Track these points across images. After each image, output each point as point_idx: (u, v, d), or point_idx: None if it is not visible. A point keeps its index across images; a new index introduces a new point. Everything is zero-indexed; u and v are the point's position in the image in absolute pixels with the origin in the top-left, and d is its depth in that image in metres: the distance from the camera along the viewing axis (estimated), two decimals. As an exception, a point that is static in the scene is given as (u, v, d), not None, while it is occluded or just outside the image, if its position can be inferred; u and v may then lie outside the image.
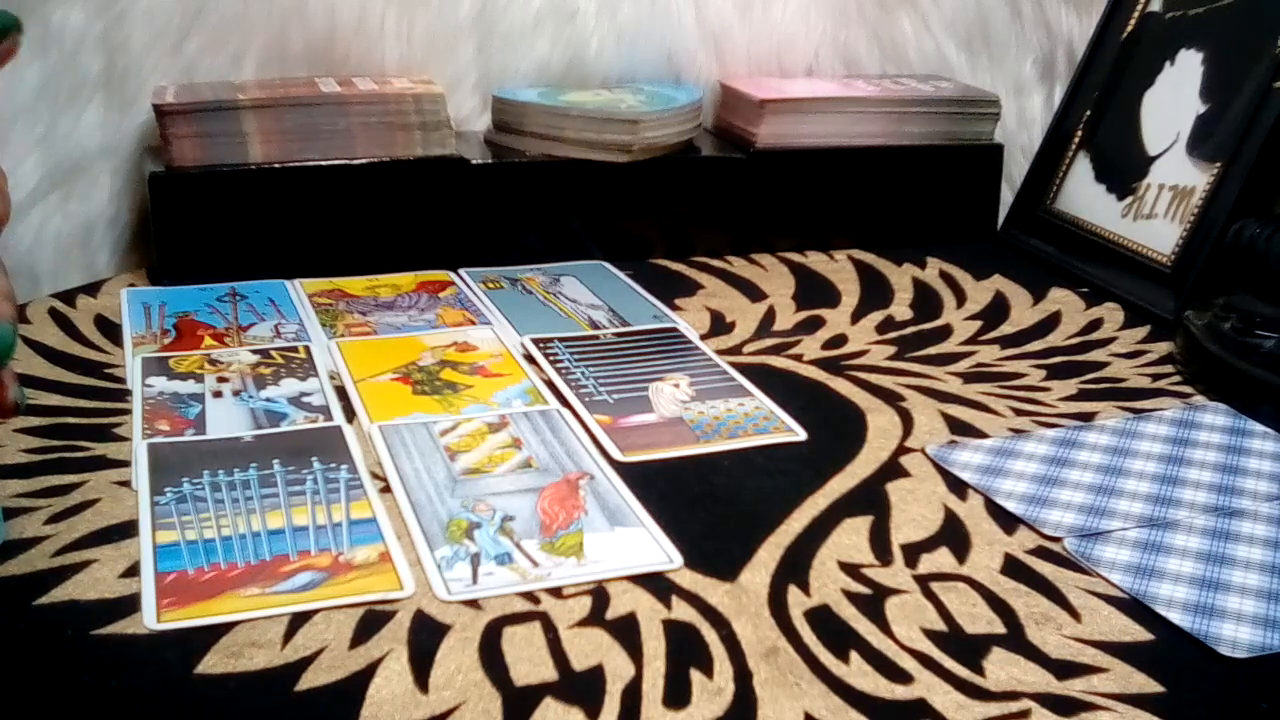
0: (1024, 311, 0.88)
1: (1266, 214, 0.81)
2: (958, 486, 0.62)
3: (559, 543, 0.56)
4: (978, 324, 0.85)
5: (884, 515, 0.59)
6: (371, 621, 0.50)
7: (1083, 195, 0.97)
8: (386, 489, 0.60)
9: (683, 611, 0.51)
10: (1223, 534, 0.57)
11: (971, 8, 1.08)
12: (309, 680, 0.46)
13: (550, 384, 0.73)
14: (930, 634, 0.50)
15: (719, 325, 0.84)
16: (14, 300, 0.53)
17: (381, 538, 0.56)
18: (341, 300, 0.85)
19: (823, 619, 0.51)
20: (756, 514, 0.59)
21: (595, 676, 0.47)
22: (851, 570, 0.54)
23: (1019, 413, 0.71)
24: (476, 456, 0.63)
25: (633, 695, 0.46)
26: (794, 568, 0.54)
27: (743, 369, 0.76)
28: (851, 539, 0.57)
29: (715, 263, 0.97)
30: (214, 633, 0.49)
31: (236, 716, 0.45)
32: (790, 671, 0.47)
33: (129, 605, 0.50)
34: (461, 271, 0.91)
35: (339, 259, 0.89)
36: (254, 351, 0.75)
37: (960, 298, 0.90)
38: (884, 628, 0.50)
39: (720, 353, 0.78)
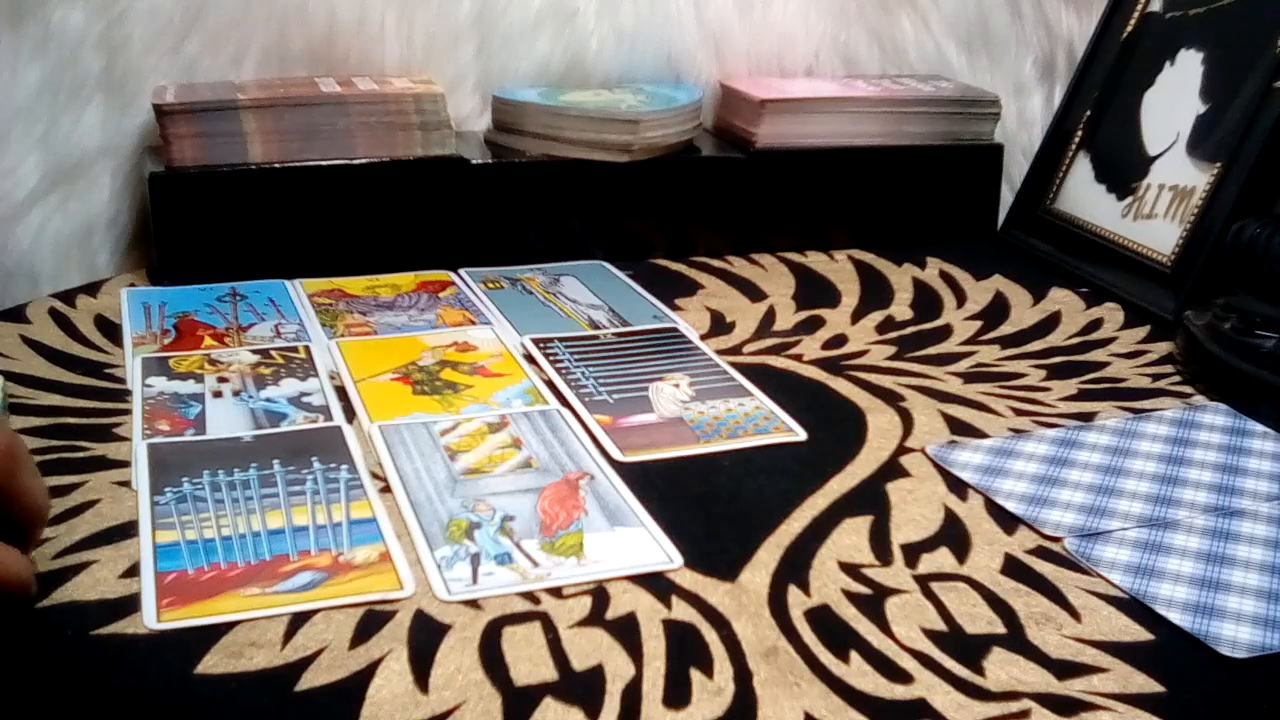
0: (1024, 311, 0.88)
1: (1266, 214, 0.81)
2: (958, 486, 0.62)
3: (559, 543, 0.56)
4: (978, 324, 0.85)
5: (884, 515, 0.59)
6: (371, 621, 0.50)
7: (1083, 195, 0.97)
8: (386, 489, 0.60)
9: (683, 611, 0.51)
10: (1223, 534, 0.57)
11: (971, 8, 1.08)
12: (309, 680, 0.46)
13: (550, 384, 0.73)
14: (930, 634, 0.50)
15: (719, 325, 0.84)
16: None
17: (381, 538, 0.56)
18: (341, 300, 0.85)
19: (823, 619, 0.51)
20: (756, 514, 0.59)
21: (595, 676, 0.47)
22: (851, 570, 0.54)
23: (1019, 413, 0.71)
24: (476, 456, 0.63)
25: (633, 695, 0.46)
26: (794, 568, 0.54)
27: (743, 369, 0.76)
28: (851, 539, 0.57)
29: (715, 263, 0.97)
30: (214, 633, 0.49)
31: (236, 716, 0.45)
32: (790, 671, 0.47)
33: (129, 605, 0.50)
34: (461, 271, 0.91)
35: (339, 259, 0.89)
36: (254, 351, 0.75)
37: (960, 298, 0.90)
38: (884, 628, 0.50)
39: (720, 353, 0.78)
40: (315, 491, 0.59)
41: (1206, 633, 0.49)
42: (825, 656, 0.48)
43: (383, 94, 0.88)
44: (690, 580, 0.53)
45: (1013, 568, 0.55)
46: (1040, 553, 0.56)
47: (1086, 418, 0.70)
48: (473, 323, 0.82)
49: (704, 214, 0.98)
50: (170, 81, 0.89)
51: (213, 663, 0.47)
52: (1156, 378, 0.76)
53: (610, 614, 0.51)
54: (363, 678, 0.46)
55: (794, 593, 0.53)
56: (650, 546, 0.56)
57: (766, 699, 0.46)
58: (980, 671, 0.48)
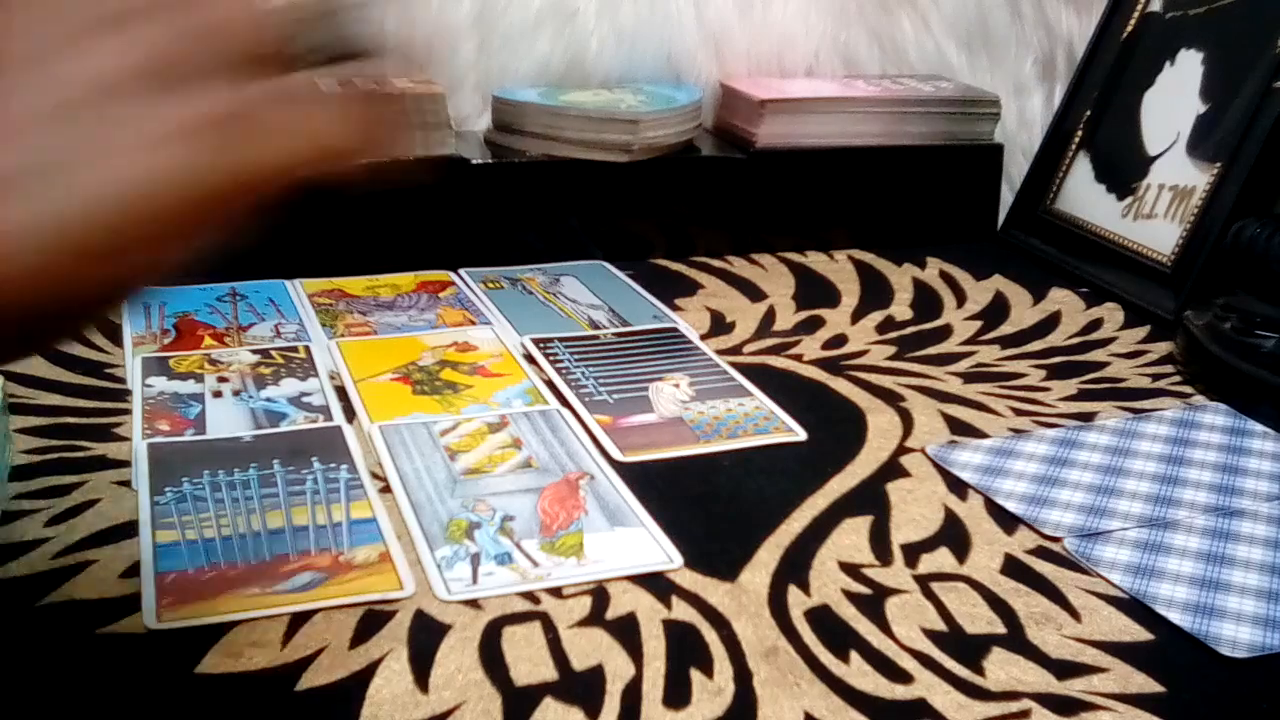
0: (1024, 311, 0.88)
1: (1266, 214, 0.81)
2: (958, 486, 0.62)
3: (559, 543, 0.56)
4: (978, 324, 0.85)
5: (884, 515, 0.59)
6: (371, 621, 0.50)
7: (1083, 195, 0.97)
8: (386, 489, 0.60)
9: (683, 611, 0.51)
10: (1223, 534, 0.57)
11: (971, 8, 1.08)
12: (309, 680, 0.46)
13: (550, 384, 0.73)
14: (930, 634, 0.50)
15: (719, 325, 0.84)
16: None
17: (381, 538, 0.56)
18: (341, 300, 0.85)
19: (823, 619, 0.51)
20: (756, 514, 0.59)
21: (595, 676, 0.47)
22: (851, 570, 0.54)
23: (1019, 413, 0.71)
24: (476, 456, 0.63)
25: (633, 695, 0.46)
26: (794, 568, 0.54)
27: (743, 369, 0.76)
28: (851, 539, 0.57)
29: (715, 263, 0.97)
30: (214, 633, 0.49)
31: (236, 716, 0.45)
32: (790, 671, 0.47)
33: (129, 605, 0.50)
34: (461, 271, 0.91)
35: (339, 259, 0.89)
36: (254, 351, 0.75)
37: (960, 298, 0.90)
38: (884, 628, 0.50)
39: (720, 353, 0.78)
40: (315, 491, 0.59)
41: (1206, 633, 0.49)
42: (825, 656, 0.48)
43: (383, 94, 0.88)
44: (690, 580, 0.53)
45: (1013, 568, 0.55)
46: (1040, 553, 0.56)
47: (1086, 418, 0.70)
48: (473, 323, 0.82)
49: (704, 214, 0.98)
50: (170, 81, 0.89)
51: (213, 663, 0.47)
52: (1156, 378, 0.76)
53: (610, 614, 0.51)
54: (363, 678, 0.46)
55: (794, 593, 0.53)
56: (650, 546, 0.56)
57: (766, 699, 0.46)
58: (980, 671, 0.48)
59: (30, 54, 0.31)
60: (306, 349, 0.76)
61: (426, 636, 0.49)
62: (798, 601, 0.52)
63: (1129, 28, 0.98)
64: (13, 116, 0.31)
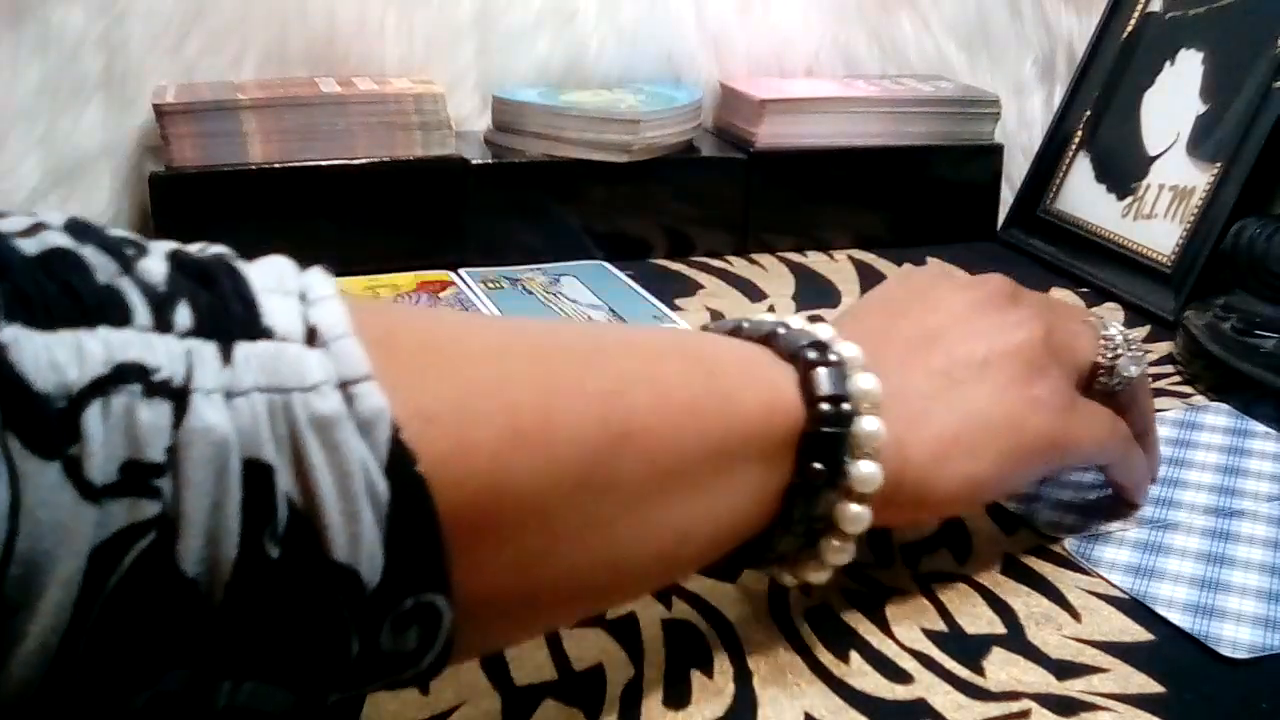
0: (1024, 311, 0.87)
1: (1266, 214, 0.81)
2: (958, 486, 0.62)
3: (559, 543, 0.55)
4: (978, 324, 0.85)
5: (884, 515, 0.59)
6: (371, 621, 0.50)
7: (1083, 195, 0.97)
8: (386, 489, 0.60)
9: (683, 611, 0.51)
10: (1223, 534, 0.57)
11: (971, 8, 1.08)
12: (309, 680, 0.46)
13: (550, 384, 0.73)
14: (930, 634, 0.50)
15: (719, 325, 0.83)
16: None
17: (381, 538, 0.55)
18: (341, 300, 0.85)
19: (823, 619, 0.51)
20: (756, 514, 0.59)
21: (595, 676, 0.47)
22: (852, 570, 0.54)
23: (1019, 413, 0.71)
24: (476, 456, 0.63)
25: (633, 695, 0.46)
26: (794, 568, 0.54)
27: (743, 369, 0.75)
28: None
29: (715, 263, 0.97)
30: (214, 633, 0.49)
31: (236, 716, 0.44)
32: (790, 671, 0.47)
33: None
34: (461, 271, 0.91)
35: (339, 259, 0.89)
36: (254, 351, 0.75)
37: (960, 298, 0.90)
38: (884, 628, 0.50)
39: (720, 353, 0.78)
40: (315, 491, 0.59)
41: (1207, 633, 0.49)
42: (825, 656, 0.48)
43: (383, 94, 0.89)
44: (690, 580, 0.53)
45: (1013, 568, 0.55)
46: (1040, 553, 0.56)
47: (1086, 418, 0.70)
48: (473, 323, 0.81)
49: (704, 214, 0.98)
50: (170, 81, 0.89)
51: (212, 663, 0.47)
52: (1156, 378, 0.76)
53: (610, 614, 0.51)
54: (363, 678, 0.46)
55: (794, 593, 0.52)
56: (650, 546, 0.56)
57: (766, 699, 0.46)
58: (980, 671, 0.47)
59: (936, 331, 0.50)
60: (306, 349, 0.76)
61: (426, 636, 0.49)
62: (798, 601, 0.52)
63: (1129, 28, 0.98)
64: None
